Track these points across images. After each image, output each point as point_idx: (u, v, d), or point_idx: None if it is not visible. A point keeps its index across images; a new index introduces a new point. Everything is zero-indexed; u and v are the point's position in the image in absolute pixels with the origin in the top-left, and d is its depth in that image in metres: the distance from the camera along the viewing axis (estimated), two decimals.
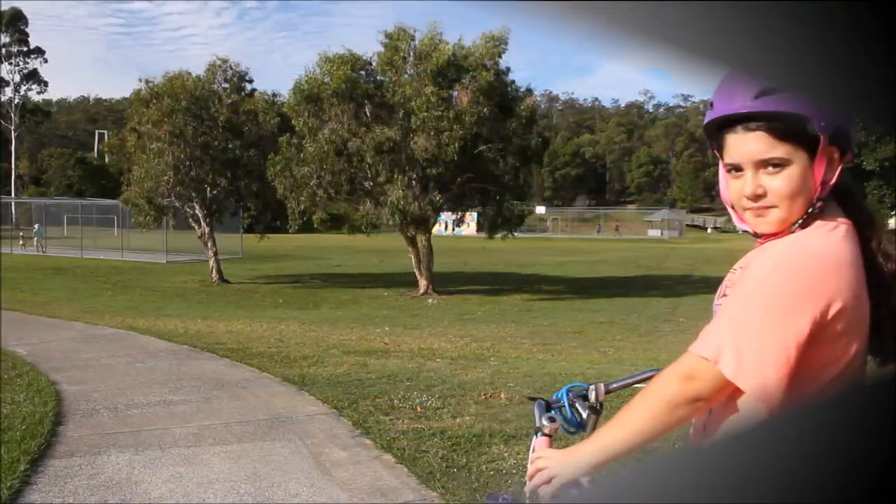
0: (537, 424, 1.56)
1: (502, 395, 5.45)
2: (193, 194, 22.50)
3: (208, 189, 22.63)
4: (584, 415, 1.60)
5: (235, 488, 3.57)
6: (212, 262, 23.20)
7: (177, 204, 23.07)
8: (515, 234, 22.24)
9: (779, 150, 1.19)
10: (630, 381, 1.69)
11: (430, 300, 19.04)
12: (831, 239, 1.19)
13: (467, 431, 4.40)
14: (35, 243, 35.19)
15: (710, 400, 1.19)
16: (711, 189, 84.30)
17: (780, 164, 1.19)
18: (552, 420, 1.55)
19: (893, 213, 18.08)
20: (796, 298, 1.13)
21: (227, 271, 24.09)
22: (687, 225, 76.07)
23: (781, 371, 1.12)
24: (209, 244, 23.29)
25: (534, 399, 1.68)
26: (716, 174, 1.38)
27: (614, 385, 1.67)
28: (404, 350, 8.95)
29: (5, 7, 63.79)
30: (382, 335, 11.07)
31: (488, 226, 21.30)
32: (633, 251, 42.90)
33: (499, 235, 21.45)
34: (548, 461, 1.31)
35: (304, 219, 21.04)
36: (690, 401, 1.18)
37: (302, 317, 14.58)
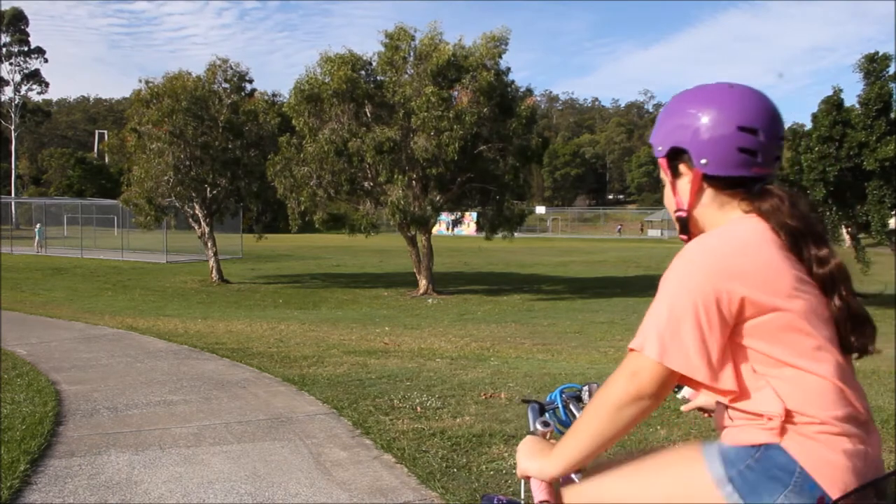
0: (531, 428, 1.57)
1: (502, 395, 5.45)
2: (193, 194, 22.50)
3: (208, 189, 22.62)
4: (578, 416, 1.60)
5: (235, 488, 3.56)
6: (212, 262, 23.19)
7: (177, 204, 23.07)
8: (515, 234, 22.22)
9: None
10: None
11: (430, 300, 19.03)
12: (730, 229, 1.34)
13: (467, 431, 4.40)
14: (35, 243, 35.18)
15: (656, 396, 1.26)
16: None
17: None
18: (546, 424, 1.56)
19: (893, 213, 18.04)
20: (696, 277, 1.27)
21: (227, 271, 24.09)
22: None
23: (698, 344, 1.24)
24: (209, 244, 23.28)
25: (528, 402, 1.69)
26: None
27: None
28: (404, 350, 8.95)
29: (5, 7, 63.84)
30: (382, 335, 11.07)
31: (488, 226, 21.29)
32: (633, 251, 42.90)
33: (499, 235, 21.46)
34: (518, 456, 1.45)
35: (305, 219, 21.04)
36: (634, 399, 1.26)
37: (302, 317, 14.58)
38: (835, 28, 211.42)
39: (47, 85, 67.74)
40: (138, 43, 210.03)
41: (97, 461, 3.93)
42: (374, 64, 19.91)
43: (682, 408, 1.54)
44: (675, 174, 1.44)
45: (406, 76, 19.40)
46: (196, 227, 23.61)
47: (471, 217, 37.10)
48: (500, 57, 19.58)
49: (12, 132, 67.18)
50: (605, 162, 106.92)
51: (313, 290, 21.44)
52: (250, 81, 23.58)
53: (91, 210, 39.02)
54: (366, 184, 20.12)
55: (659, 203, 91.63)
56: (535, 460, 1.41)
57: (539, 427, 1.56)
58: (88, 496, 3.44)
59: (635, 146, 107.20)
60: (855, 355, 1.38)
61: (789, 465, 1.24)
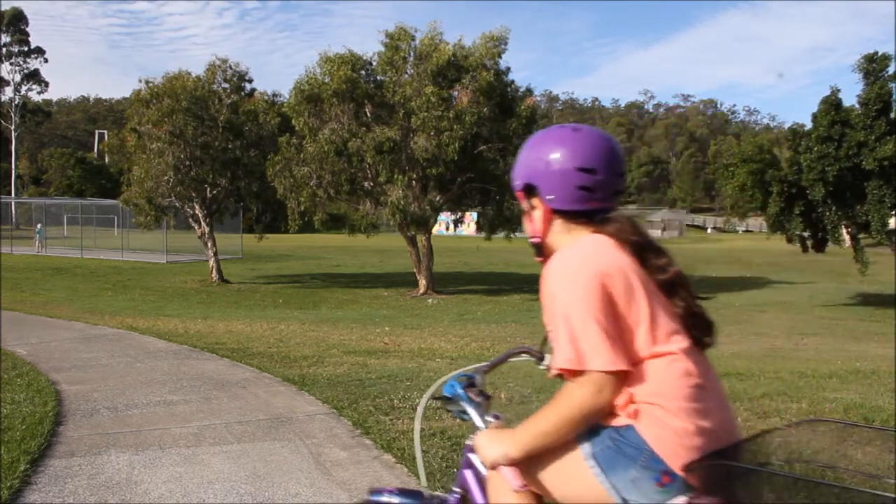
0: (481, 424, 1.72)
1: (502, 395, 5.45)
2: (193, 194, 22.49)
3: (208, 189, 22.61)
4: (479, 401, 1.79)
5: (235, 488, 3.56)
6: (212, 262, 23.19)
7: (177, 204, 23.07)
8: (516, 233, 22.21)
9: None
10: (502, 358, 1.96)
11: (430, 300, 19.03)
12: (581, 240, 1.57)
13: (467, 432, 4.40)
14: (36, 243, 35.18)
15: (610, 405, 1.48)
16: (711, 189, 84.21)
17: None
18: (497, 417, 1.73)
19: (893, 213, 18.02)
20: (581, 283, 1.48)
21: (227, 271, 24.09)
22: (687, 225, 75.98)
23: (622, 342, 1.47)
24: (209, 244, 23.28)
25: (438, 399, 1.84)
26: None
27: (488, 365, 1.93)
28: (404, 350, 8.95)
29: (5, 7, 63.81)
30: (382, 335, 11.08)
31: (488, 226, 21.28)
32: None
33: (500, 235, 21.45)
34: (480, 449, 1.64)
35: (305, 219, 21.03)
36: (601, 410, 1.47)
37: (302, 317, 14.58)
38: (835, 28, 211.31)
39: (47, 85, 67.69)
40: (138, 43, 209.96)
41: (97, 461, 3.93)
42: (374, 64, 19.91)
43: (548, 375, 1.67)
44: (531, 206, 1.67)
45: (406, 76, 19.40)
46: (196, 227, 23.60)
47: (471, 217, 37.10)
48: (500, 57, 19.58)
49: (12, 132, 67.14)
50: None
51: (313, 290, 21.43)
52: (250, 81, 23.60)
53: (91, 210, 39.01)
54: (366, 184, 20.13)
55: (659, 203, 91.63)
56: (497, 447, 1.59)
57: (492, 420, 1.71)
58: (88, 496, 3.44)
59: (635, 146, 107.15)
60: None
61: (640, 444, 1.45)
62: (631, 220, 1.61)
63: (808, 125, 18.66)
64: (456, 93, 18.99)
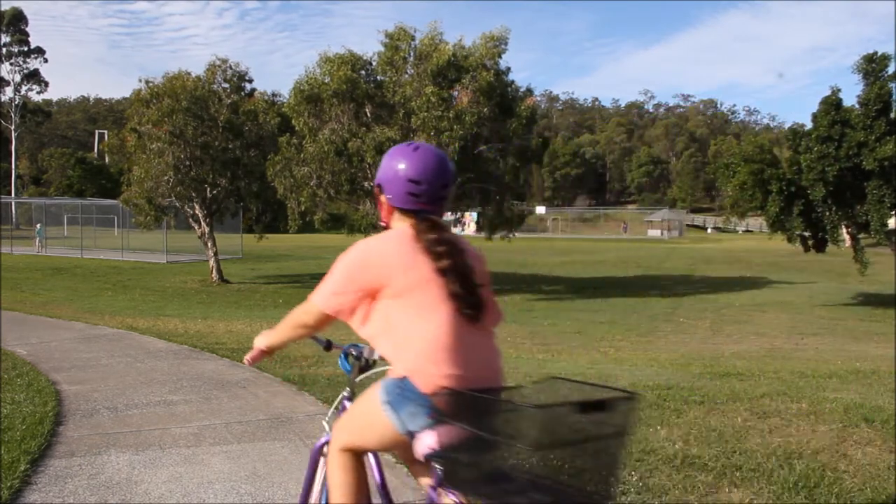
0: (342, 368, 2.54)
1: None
2: (193, 194, 22.47)
3: (208, 189, 22.60)
4: (350, 367, 2.51)
5: (235, 488, 3.56)
6: (212, 262, 23.18)
7: (177, 204, 23.05)
8: (515, 234, 22.22)
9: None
10: (382, 369, 2.43)
11: None
12: (385, 232, 2.16)
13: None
14: (36, 243, 35.16)
15: (316, 325, 2.19)
16: (711, 189, 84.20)
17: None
18: (346, 359, 2.52)
19: (893, 212, 18.01)
20: (352, 258, 2.09)
21: (227, 271, 24.07)
22: (687, 225, 75.98)
23: (348, 298, 2.06)
24: (209, 244, 23.27)
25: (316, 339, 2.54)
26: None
27: (376, 369, 2.47)
28: None
29: (5, 7, 63.81)
30: None
31: (488, 226, 21.27)
32: (633, 251, 42.90)
33: (498, 235, 21.43)
34: (256, 339, 2.43)
35: (305, 219, 21.02)
36: (304, 325, 2.21)
37: None
38: (835, 28, 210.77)
39: (47, 85, 67.66)
40: (138, 43, 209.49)
41: (97, 461, 3.93)
42: (374, 64, 19.90)
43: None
44: (381, 201, 2.20)
45: (406, 76, 19.40)
46: (196, 227, 23.59)
47: (471, 217, 37.15)
48: (500, 57, 19.58)
49: (12, 132, 67.13)
50: (605, 162, 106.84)
51: (313, 290, 21.41)
52: (250, 81, 23.59)
53: (91, 210, 38.99)
54: (366, 184, 20.12)
55: (659, 203, 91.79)
56: (260, 339, 2.39)
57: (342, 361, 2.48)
58: (88, 496, 3.44)
59: (635, 146, 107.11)
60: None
61: (414, 389, 1.94)
62: (435, 221, 2.10)
63: (808, 125, 18.65)
64: (456, 93, 18.99)
